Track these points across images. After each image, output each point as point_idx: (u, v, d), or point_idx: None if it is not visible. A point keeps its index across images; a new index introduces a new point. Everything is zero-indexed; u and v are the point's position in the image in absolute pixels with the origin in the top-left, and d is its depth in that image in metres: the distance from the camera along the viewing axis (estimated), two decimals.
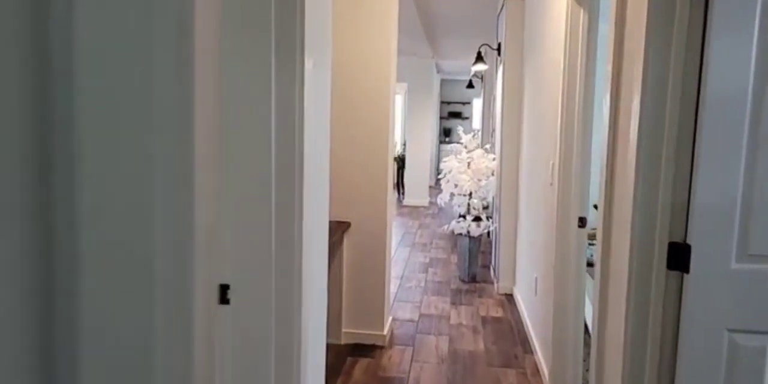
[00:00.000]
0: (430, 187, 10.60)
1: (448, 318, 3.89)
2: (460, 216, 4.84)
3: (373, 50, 3.14)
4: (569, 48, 2.59)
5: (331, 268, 3.28)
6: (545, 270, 3.05)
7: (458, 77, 12.77)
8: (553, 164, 2.85)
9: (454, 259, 5.57)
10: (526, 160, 3.95)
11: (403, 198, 9.34)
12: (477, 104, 13.54)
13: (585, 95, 2.55)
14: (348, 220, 3.29)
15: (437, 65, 10.14)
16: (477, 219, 4.75)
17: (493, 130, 6.05)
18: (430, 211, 8.50)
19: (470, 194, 4.66)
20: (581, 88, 2.55)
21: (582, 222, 2.60)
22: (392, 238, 3.66)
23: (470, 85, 8.03)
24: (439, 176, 4.89)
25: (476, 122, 13.41)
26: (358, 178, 3.23)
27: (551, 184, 2.89)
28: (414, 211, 8.68)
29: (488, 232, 4.85)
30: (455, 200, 4.77)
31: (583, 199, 2.60)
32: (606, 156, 1.77)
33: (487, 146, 5.02)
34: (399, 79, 9.33)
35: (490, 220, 4.81)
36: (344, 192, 3.23)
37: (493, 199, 4.99)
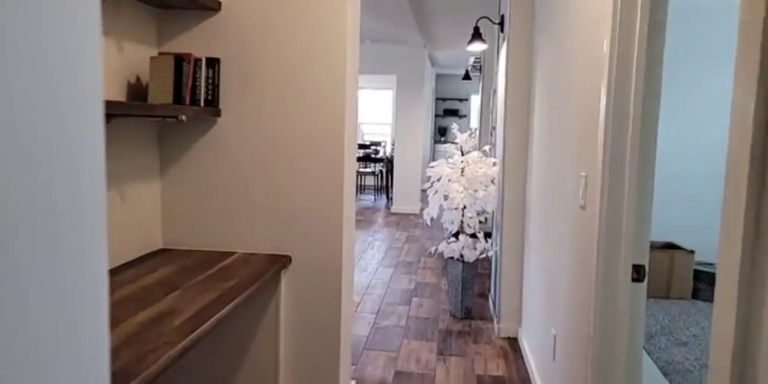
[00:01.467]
0: (424, 191, 9.65)
1: (433, 378, 2.91)
2: (451, 235, 3.86)
3: (315, 35, 2.16)
4: (620, 25, 1.62)
5: (263, 319, 2.29)
6: (571, 331, 2.07)
7: (455, 71, 11.78)
8: (586, 178, 1.88)
9: (445, 284, 4.59)
10: (539, 166, 2.96)
11: (391, 205, 8.35)
12: (475, 101, 12.57)
13: (647, 87, 1.58)
14: (287, 253, 2.30)
15: (431, 57, 9.15)
16: (473, 236, 3.77)
17: (493, 129, 5.07)
18: (422, 220, 7.51)
19: (464, 208, 3.68)
20: (638, 77, 1.58)
21: (639, 273, 1.62)
22: (352, 274, 2.65)
23: (466, 77, 7.03)
24: (425, 186, 3.91)
25: (474, 121, 12.44)
26: (301, 197, 2.25)
27: (582, 206, 1.91)
28: (403, 219, 7.70)
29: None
30: (445, 216, 3.79)
31: (642, 237, 1.61)
32: (746, 166, 0.80)
33: (486, 148, 4.03)
34: (386, 71, 8.31)
35: (489, 240, 3.83)
36: (282, 215, 2.25)
37: (493, 214, 4.01)
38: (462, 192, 3.59)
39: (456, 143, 6.73)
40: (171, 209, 2.28)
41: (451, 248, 3.77)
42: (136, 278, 1.85)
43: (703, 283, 4.12)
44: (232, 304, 1.63)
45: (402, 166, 8.17)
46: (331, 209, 2.26)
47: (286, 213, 2.25)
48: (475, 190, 3.66)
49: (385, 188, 9.44)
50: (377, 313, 3.89)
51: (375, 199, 9.41)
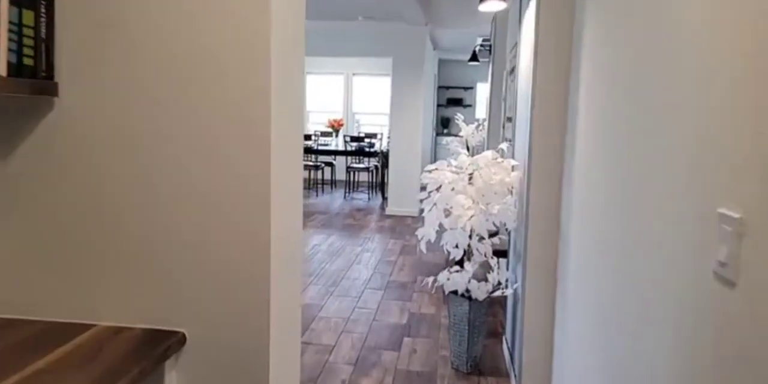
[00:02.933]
0: (423, 187, 8.66)
1: None
2: (454, 263, 2.89)
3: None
4: None
5: None
6: None
7: (459, 57, 10.75)
8: (739, 224, 0.89)
9: (445, 316, 3.63)
10: (592, 176, 1.97)
11: (386, 205, 7.37)
12: (482, 89, 11.56)
13: None
14: (178, 327, 1.33)
15: (433, 38, 8.13)
16: (485, 267, 2.80)
17: (509, 120, 4.07)
18: (419, 225, 6.52)
19: (471, 231, 2.69)
20: None
21: None
22: (296, 354, 1.64)
23: (474, 58, 6.01)
24: (420, 197, 2.92)
25: (481, 111, 11.44)
26: (199, 236, 1.27)
27: (724, 278, 0.93)
28: (399, 224, 6.72)
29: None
30: (447, 237, 2.81)
31: None
32: None
33: (503, 146, 3.02)
34: (380, 53, 7.27)
35: (507, 271, 2.85)
36: (168, 267, 1.28)
37: (509, 234, 3.03)
38: (470, 207, 2.61)
39: (461, 136, 5.75)
40: None
41: (454, 281, 2.81)
42: None
43: None
44: None
45: (398, 162, 7.18)
46: (254, 253, 1.28)
47: (176, 263, 1.28)
48: (488, 204, 2.68)
49: (380, 186, 8.46)
50: (355, 364, 2.93)
51: (369, 199, 8.44)
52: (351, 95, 10.27)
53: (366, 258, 5.10)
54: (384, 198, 8.12)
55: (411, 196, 7.26)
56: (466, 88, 11.56)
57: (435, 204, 2.79)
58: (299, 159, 1.50)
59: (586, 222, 1.96)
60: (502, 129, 5.01)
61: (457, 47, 9.19)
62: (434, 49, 9.47)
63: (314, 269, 4.65)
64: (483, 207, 2.63)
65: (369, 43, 7.05)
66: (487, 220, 2.70)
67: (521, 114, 2.91)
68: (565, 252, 2.29)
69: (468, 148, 5.77)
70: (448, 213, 2.82)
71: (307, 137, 8.50)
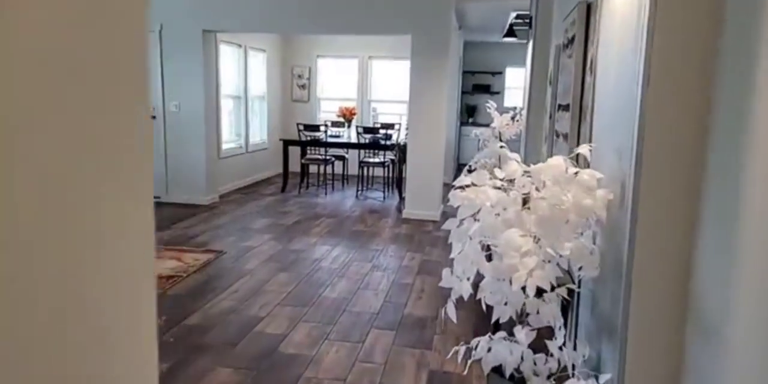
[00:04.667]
0: (447, 185, 7.60)
1: None
2: (495, 325, 1.91)
3: None
4: None
5: None
6: None
7: (488, 37, 9.64)
8: None
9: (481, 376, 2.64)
10: None
11: (404, 207, 6.38)
12: (512, 75, 10.45)
13: None
14: None
15: (459, 13, 7.05)
16: (537, 331, 1.81)
17: (563, 110, 3.04)
18: (442, 233, 5.50)
19: (525, 282, 1.68)
20: None
21: None
22: None
23: (510, 33, 4.94)
24: (446, 226, 1.89)
25: (510, 99, 10.32)
26: None
27: None
28: (418, 230, 5.73)
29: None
30: (488, 287, 1.81)
31: None
32: None
33: (585, 149, 1.95)
34: (400, 30, 6.21)
35: (576, 343, 1.85)
36: None
37: (579, 283, 2.02)
38: (531, 251, 1.60)
39: (492, 127, 4.70)
40: None
41: (495, 354, 1.82)
42: None
43: None
44: None
45: (417, 156, 6.17)
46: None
47: None
48: (559, 239, 1.67)
49: (397, 183, 7.47)
50: None
51: (384, 198, 7.45)
52: (367, 81, 9.25)
53: (376, 280, 4.13)
54: (401, 197, 7.14)
55: (432, 196, 6.26)
56: (494, 74, 10.45)
57: (470, 238, 1.80)
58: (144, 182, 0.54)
59: None
60: (548, 120, 3.97)
61: (487, 26, 8.09)
62: (459, 28, 8.39)
63: (310, 297, 3.70)
64: (550, 250, 1.62)
65: (386, 19, 6.02)
66: (555, 263, 1.69)
67: (605, 103, 1.90)
68: (726, 309, 1.29)
69: (501, 139, 4.71)
70: (489, 251, 1.82)
71: (316, 128, 7.53)
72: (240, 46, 7.85)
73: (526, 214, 1.70)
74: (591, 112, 2.13)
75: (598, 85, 2.07)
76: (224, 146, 7.52)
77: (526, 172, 1.79)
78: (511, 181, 1.81)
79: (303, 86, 9.40)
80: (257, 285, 3.90)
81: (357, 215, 6.35)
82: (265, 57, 8.67)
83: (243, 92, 8.02)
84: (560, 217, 1.65)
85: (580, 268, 1.81)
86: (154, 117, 6.58)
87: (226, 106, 7.73)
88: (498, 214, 1.77)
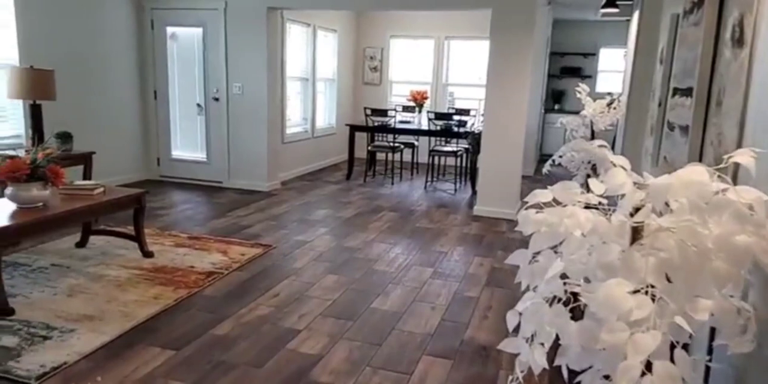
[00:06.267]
0: (526, 178, 6.87)
1: None
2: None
3: None
4: None
5: None
6: None
7: (579, 15, 8.68)
8: None
9: None
10: None
11: (475, 202, 5.76)
12: (607, 56, 9.44)
13: None
14: None
15: None
16: None
17: (681, 95, 2.32)
18: (517, 234, 4.82)
19: (638, 379, 1.09)
20: None
21: None
22: None
23: (609, 3, 4.15)
24: (510, 260, 1.32)
25: (604, 83, 9.33)
26: None
27: None
28: (489, 230, 5.11)
29: None
30: (575, 357, 1.23)
31: None
32: None
33: (744, 160, 1.29)
34: (478, 3, 5.42)
35: None
36: None
37: (712, 352, 1.38)
38: (644, 311, 1.01)
39: (582, 115, 4.00)
40: None
41: None
42: None
43: None
44: None
45: (493, 146, 5.52)
46: None
47: None
48: (696, 296, 1.06)
49: (471, 174, 6.84)
50: None
51: (455, 190, 6.85)
52: (443, 63, 8.60)
53: (435, 290, 3.59)
54: (473, 191, 6.51)
55: (508, 191, 5.60)
56: (586, 55, 9.46)
57: (547, 282, 1.22)
58: None
59: None
60: (656, 108, 3.23)
61: (581, 0, 7.19)
62: (549, 3, 7.53)
63: (357, 308, 3.23)
64: (681, 321, 1.02)
65: None
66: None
67: None
68: None
69: (593, 132, 3.96)
70: (574, 304, 1.24)
71: (384, 112, 7.02)
72: (309, 25, 7.44)
73: (639, 254, 1.10)
74: (743, 101, 1.46)
75: (757, 63, 1.40)
76: (289, 131, 7.19)
77: (639, 185, 1.19)
78: (612, 201, 1.21)
79: (375, 68, 8.90)
80: (301, 288, 3.48)
81: (423, 209, 5.81)
82: (336, 37, 8.23)
83: (311, 74, 7.63)
84: (698, 264, 1.04)
85: (712, 330, 1.20)
86: (217, 99, 6.33)
87: (294, 89, 7.38)
88: (591, 255, 1.18)
